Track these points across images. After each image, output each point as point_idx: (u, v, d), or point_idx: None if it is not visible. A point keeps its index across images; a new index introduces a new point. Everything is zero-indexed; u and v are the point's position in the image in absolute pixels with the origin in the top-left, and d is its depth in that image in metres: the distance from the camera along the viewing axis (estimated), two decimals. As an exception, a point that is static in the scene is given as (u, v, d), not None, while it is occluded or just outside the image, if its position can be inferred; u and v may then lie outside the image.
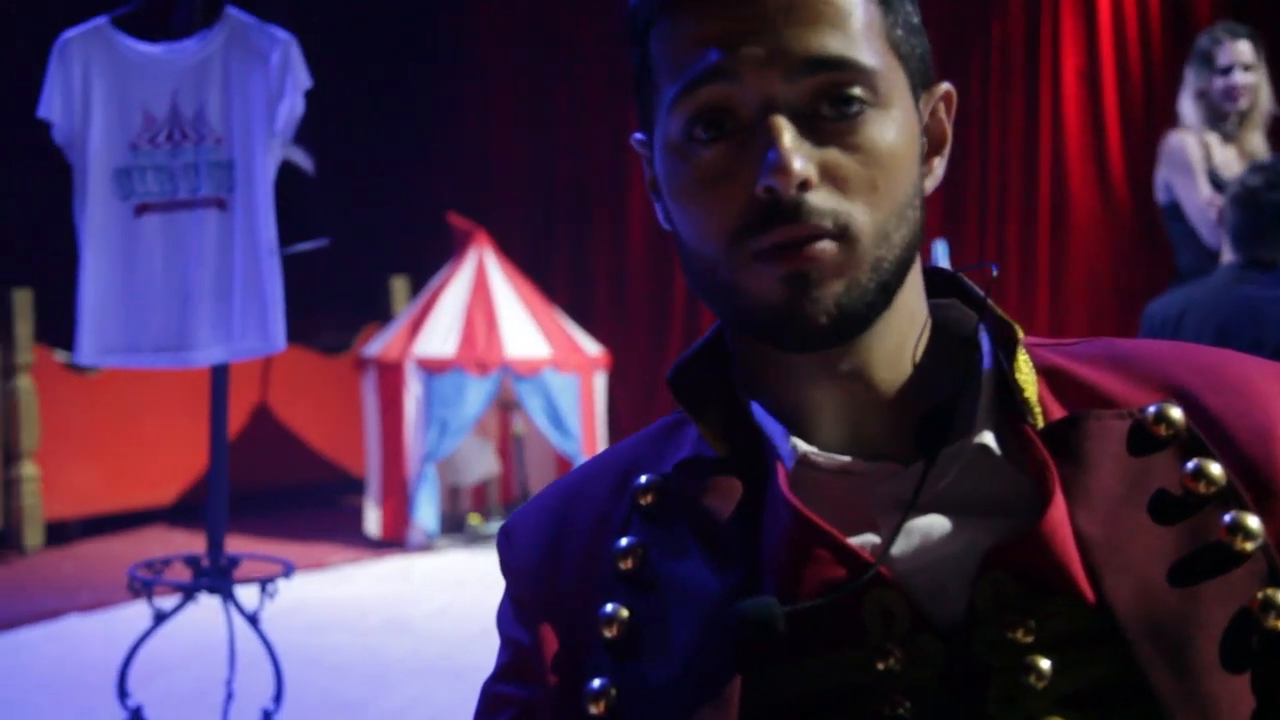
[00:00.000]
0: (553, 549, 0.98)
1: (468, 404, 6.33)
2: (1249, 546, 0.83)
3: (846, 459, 0.90)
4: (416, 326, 6.51)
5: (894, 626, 0.84)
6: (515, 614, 0.99)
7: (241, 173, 3.05)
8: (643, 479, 0.96)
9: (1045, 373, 0.93)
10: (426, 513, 6.36)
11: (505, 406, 6.83)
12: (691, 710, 0.86)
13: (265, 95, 3.04)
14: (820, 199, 0.84)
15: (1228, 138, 4.44)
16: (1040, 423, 0.89)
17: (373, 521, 6.57)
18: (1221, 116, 4.43)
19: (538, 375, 6.36)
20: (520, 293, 6.69)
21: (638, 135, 0.97)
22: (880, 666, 0.84)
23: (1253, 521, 0.84)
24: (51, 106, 3.09)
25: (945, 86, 0.97)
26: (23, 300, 6.31)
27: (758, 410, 0.94)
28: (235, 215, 3.06)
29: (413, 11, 8.89)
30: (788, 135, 0.84)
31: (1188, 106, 4.48)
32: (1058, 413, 0.90)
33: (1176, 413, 0.88)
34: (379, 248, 8.01)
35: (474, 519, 6.80)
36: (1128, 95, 6.97)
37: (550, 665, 0.94)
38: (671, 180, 0.90)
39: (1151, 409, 0.89)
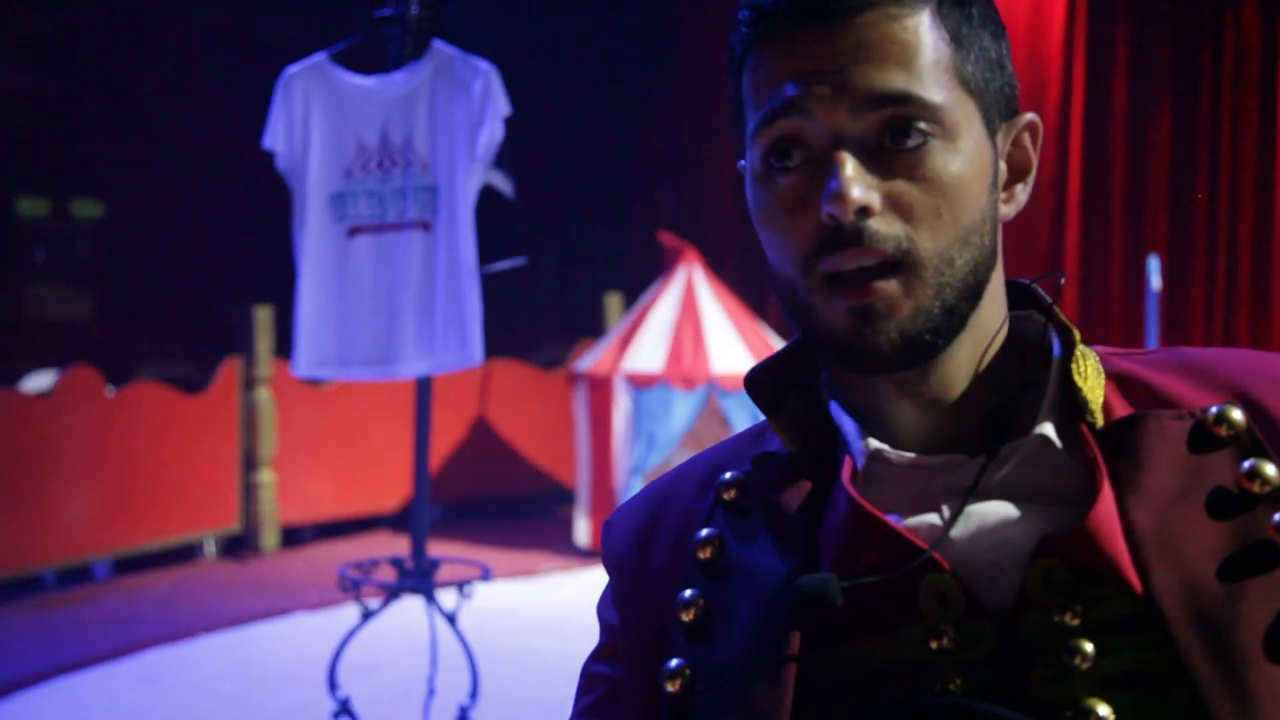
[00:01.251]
0: (644, 541, 1.05)
1: (674, 418, 6.40)
2: None
3: (912, 455, 0.96)
4: (626, 342, 6.60)
5: (948, 608, 0.89)
6: (611, 600, 1.07)
7: (445, 196, 3.18)
8: (726, 475, 1.02)
9: (1116, 378, 0.97)
10: (633, 525, 6.47)
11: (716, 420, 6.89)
12: (750, 687, 0.92)
13: (467, 123, 3.16)
14: (882, 225, 0.90)
15: None
16: (1100, 421, 0.93)
17: (582, 531, 6.72)
18: None
19: (743, 390, 6.41)
20: (728, 309, 6.71)
21: (741, 163, 1.03)
22: (933, 646, 0.88)
23: None
24: (275, 137, 3.28)
25: (1029, 117, 1.01)
26: (263, 317, 6.64)
27: (835, 409, 1.00)
28: (439, 236, 3.18)
29: (631, 38, 9.06)
30: (849, 166, 0.89)
31: None
32: (1123, 413, 0.94)
33: (1237, 414, 0.91)
34: (596, 266, 8.18)
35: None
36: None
37: (635, 647, 1.01)
38: (754, 205, 0.96)
39: (1214, 410, 0.92)
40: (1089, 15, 7.35)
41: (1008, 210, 0.99)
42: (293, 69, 3.30)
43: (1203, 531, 0.89)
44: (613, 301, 7.82)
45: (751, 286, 7.64)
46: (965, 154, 0.93)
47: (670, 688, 0.96)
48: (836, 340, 0.93)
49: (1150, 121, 7.31)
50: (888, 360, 0.92)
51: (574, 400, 6.77)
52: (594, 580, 6.28)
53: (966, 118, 0.94)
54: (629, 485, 6.45)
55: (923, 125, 0.91)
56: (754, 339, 6.65)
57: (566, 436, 7.18)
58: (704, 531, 1.01)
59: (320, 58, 3.30)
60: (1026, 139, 1.01)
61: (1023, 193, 1.01)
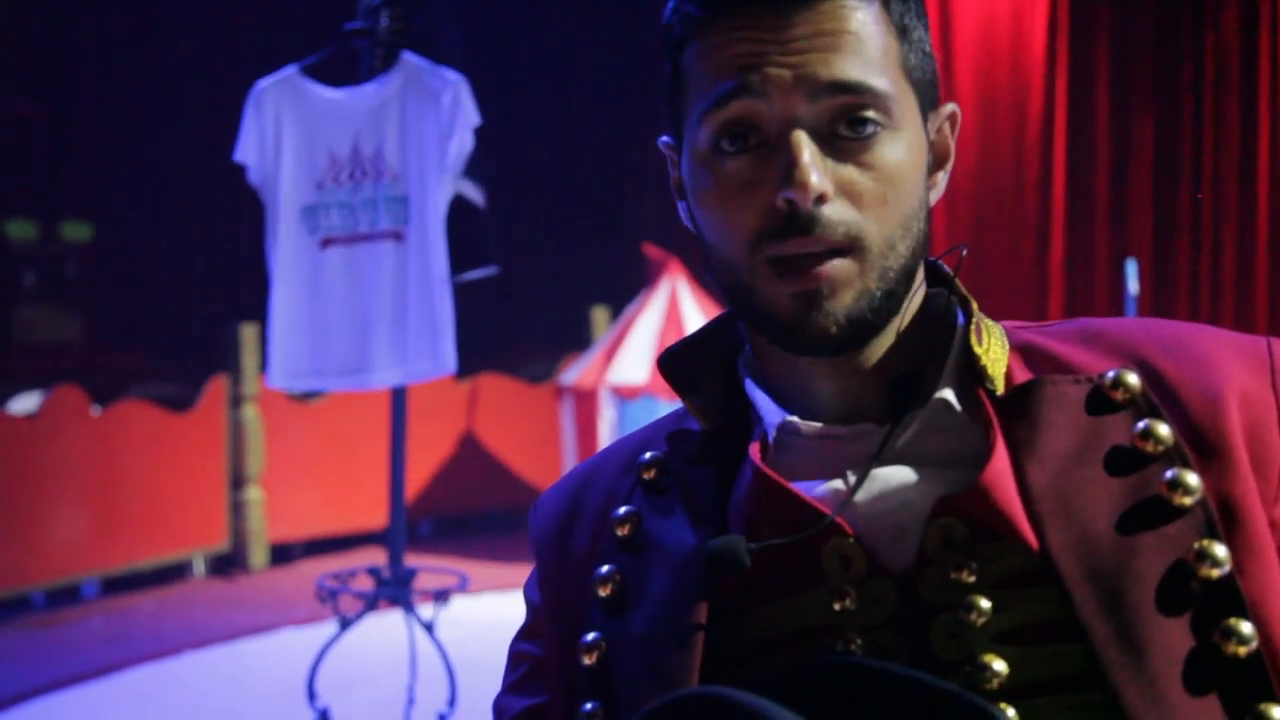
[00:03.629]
0: (567, 522, 1.08)
1: (663, 431, 6.43)
2: (1188, 501, 0.89)
3: (820, 425, 0.98)
4: (611, 354, 6.61)
5: (850, 571, 0.92)
6: (535, 580, 1.09)
7: (416, 206, 3.20)
8: (646, 455, 1.05)
9: (1020, 348, 1.00)
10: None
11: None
12: (661, 654, 0.94)
13: (437, 133, 3.18)
14: (835, 211, 0.91)
15: None
16: (1000, 388, 0.96)
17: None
18: None
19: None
20: (710, 316, 6.75)
21: (665, 139, 1.05)
22: (836, 607, 0.91)
23: (1192, 479, 0.89)
24: (247, 150, 3.30)
25: (951, 107, 1.03)
26: (249, 335, 6.63)
27: (750, 386, 1.03)
28: (410, 246, 3.20)
29: (619, 61, 9.10)
30: (807, 152, 0.91)
31: None
32: (1025, 380, 0.97)
33: (1133, 378, 0.94)
34: (583, 281, 8.20)
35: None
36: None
37: (555, 624, 1.04)
38: (697, 186, 0.97)
39: (1110, 374, 0.95)
40: (1070, 24, 7.40)
41: (933, 195, 1.02)
42: (263, 82, 3.32)
43: (1099, 489, 0.91)
44: (599, 315, 7.83)
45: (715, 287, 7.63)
46: (907, 143, 0.95)
47: (587, 660, 0.98)
48: (780, 323, 0.95)
49: (1133, 128, 7.34)
50: (832, 341, 0.94)
51: (560, 413, 6.78)
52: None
53: (908, 108, 0.96)
54: (614, 496, 6.44)
55: (873, 114, 0.93)
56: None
57: (554, 450, 7.18)
58: (621, 510, 1.03)
59: (290, 71, 3.33)
60: (947, 128, 1.04)
61: (943, 179, 1.04)
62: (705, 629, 0.94)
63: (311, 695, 3.34)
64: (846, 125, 0.92)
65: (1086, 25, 7.39)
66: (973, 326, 0.99)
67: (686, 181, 1.00)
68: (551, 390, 7.32)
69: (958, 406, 0.97)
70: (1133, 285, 5.03)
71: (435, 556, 6.68)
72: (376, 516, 7.04)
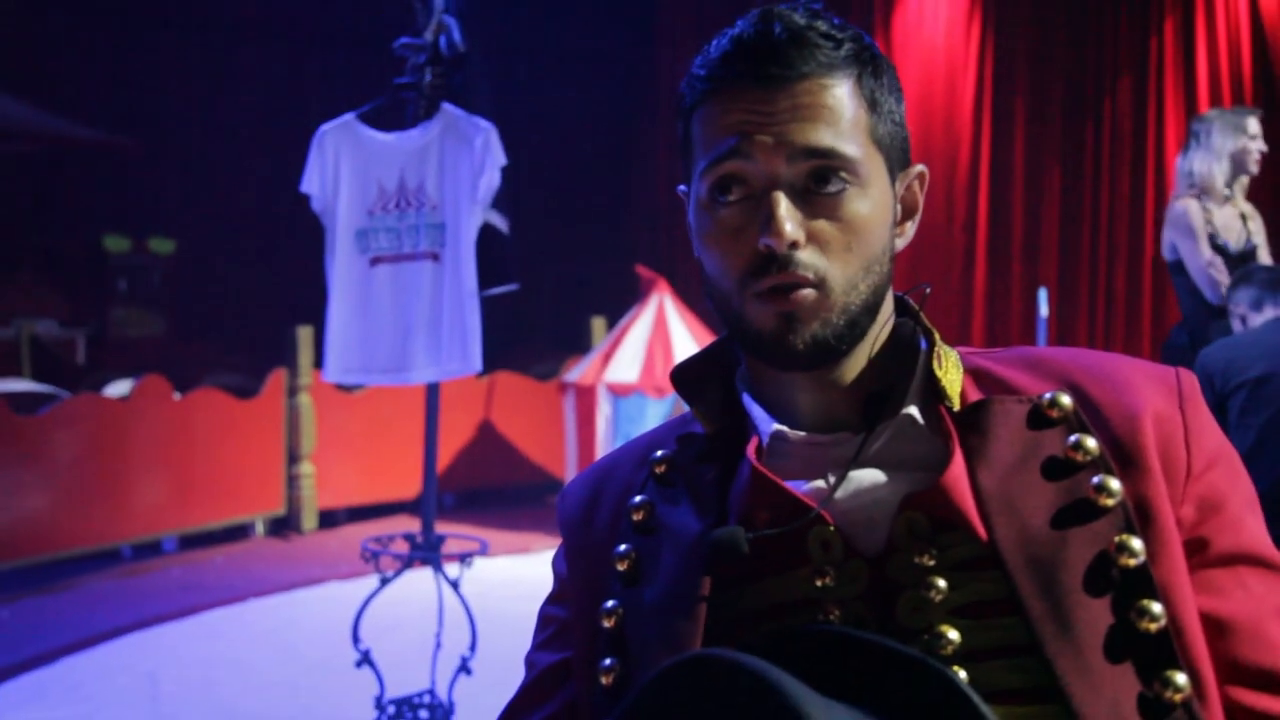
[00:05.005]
0: (590, 507, 1.08)
1: (648, 421, 6.41)
2: (1110, 502, 0.89)
3: (806, 434, 0.98)
4: (607, 358, 6.61)
5: (830, 553, 0.92)
6: (563, 555, 1.10)
7: (451, 232, 3.19)
8: (658, 454, 1.05)
9: (971, 371, 1.00)
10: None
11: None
12: (670, 621, 0.94)
13: (471, 171, 3.18)
14: (806, 256, 0.93)
15: (1225, 201, 4.29)
16: (957, 405, 0.96)
17: (569, 520, 6.73)
18: (1236, 176, 4.30)
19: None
20: (692, 329, 6.71)
21: (681, 188, 1.05)
22: (818, 584, 0.92)
23: (1114, 483, 0.90)
24: (311, 183, 3.29)
25: (919, 168, 1.03)
26: (304, 335, 6.66)
27: (747, 399, 1.03)
28: (445, 265, 3.20)
29: (614, 103, 9.12)
30: (783, 206, 0.92)
31: (1214, 166, 4.28)
32: (976, 399, 0.97)
33: (1066, 399, 0.95)
34: (584, 294, 8.20)
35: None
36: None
37: (580, 592, 1.04)
38: (699, 228, 0.98)
39: (1047, 396, 0.95)
40: (993, 90, 7.43)
41: (900, 243, 1.02)
42: (326, 127, 3.31)
43: (1037, 491, 0.91)
44: (597, 323, 7.84)
45: (709, 309, 7.64)
46: (873, 199, 0.95)
47: (606, 624, 0.99)
48: (763, 339, 0.96)
49: (1044, 177, 7.37)
50: (801, 358, 0.95)
51: (564, 406, 6.77)
52: (580, 555, 6.30)
53: (876, 169, 0.96)
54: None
55: (843, 175, 0.94)
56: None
57: (557, 437, 7.18)
58: (637, 498, 1.03)
59: (349, 117, 3.32)
60: (916, 185, 1.04)
61: (911, 228, 1.04)
62: (707, 600, 0.94)
63: (356, 639, 3.32)
64: (818, 183, 0.93)
65: (1007, 92, 7.43)
66: (935, 353, 0.99)
67: (692, 224, 1.01)
68: (556, 386, 7.32)
69: (920, 420, 0.97)
70: (1043, 309, 5.04)
71: (457, 524, 6.68)
72: (407, 488, 7.09)
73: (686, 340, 6.61)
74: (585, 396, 6.53)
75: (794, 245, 0.92)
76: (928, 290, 1.05)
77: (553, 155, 8.76)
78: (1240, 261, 4.12)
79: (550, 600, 1.11)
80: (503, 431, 7.66)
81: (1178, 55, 6.89)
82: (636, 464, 1.08)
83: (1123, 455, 0.92)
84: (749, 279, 0.94)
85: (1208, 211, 4.24)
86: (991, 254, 7.43)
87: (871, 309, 0.97)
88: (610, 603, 0.99)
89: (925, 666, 0.80)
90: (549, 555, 6.13)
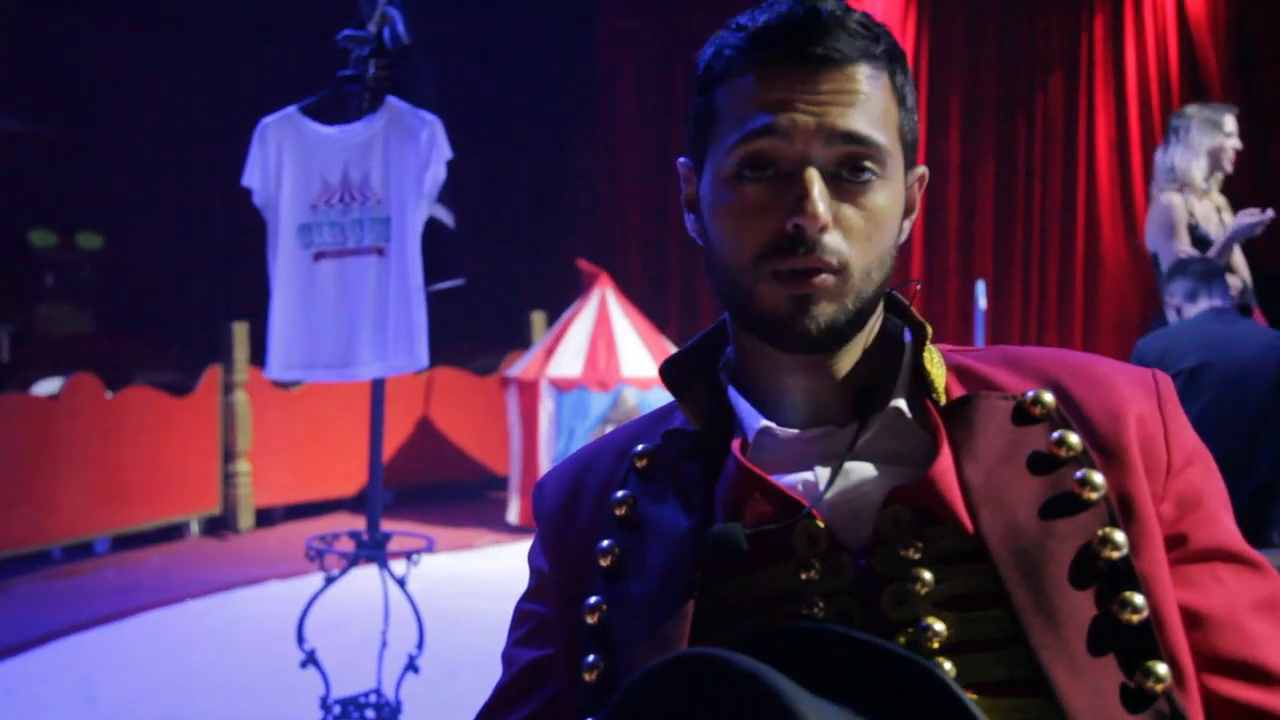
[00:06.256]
0: (570, 501, 1.06)
1: (590, 415, 6.42)
2: (1094, 496, 0.90)
3: (794, 431, 0.98)
4: (550, 352, 6.59)
5: (815, 547, 0.92)
6: (540, 549, 1.08)
7: (396, 227, 3.16)
8: (639, 447, 1.04)
9: (954, 369, 1.00)
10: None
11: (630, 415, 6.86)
12: (658, 617, 0.93)
13: (416, 165, 3.14)
14: (832, 240, 0.92)
15: (1204, 194, 4.40)
16: (943, 400, 0.97)
17: (513, 511, 6.68)
18: (1213, 172, 4.41)
19: (649, 390, 6.44)
20: (635, 323, 6.71)
21: (683, 160, 1.04)
22: (804, 577, 0.91)
23: (1098, 478, 0.91)
24: (252, 176, 3.23)
25: (922, 169, 1.03)
26: (240, 331, 6.55)
27: (732, 393, 1.02)
28: (390, 260, 3.16)
29: (556, 99, 9.09)
30: (818, 187, 0.91)
31: (1193, 162, 4.39)
32: (960, 395, 0.98)
33: (1049, 397, 0.96)
34: (524, 288, 8.17)
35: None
36: (1151, 160, 6.86)
37: (561, 588, 1.02)
38: (716, 202, 0.96)
39: (1030, 393, 0.96)
40: (929, 86, 7.50)
41: (899, 239, 1.02)
42: (267, 119, 3.26)
43: (1022, 485, 0.92)
44: (538, 318, 7.81)
45: (651, 303, 7.67)
46: (893, 192, 0.96)
47: (589, 620, 0.98)
48: (774, 320, 0.95)
49: (978, 172, 7.47)
50: (811, 341, 0.94)
51: (506, 401, 6.74)
52: (523, 552, 6.24)
53: (897, 164, 0.96)
54: (554, 473, 6.42)
55: (872, 164, 0.93)
56: (657, 348, 6.67)
57: (498, 432, 7.15)
58: (620, 493, 1.02)
59: (291, 110, 3.27)
60: (917, 186, 1.04)
61: (908, 226, 1.04)
62: (694, 596, 0.94)
63: (301, 638, 3.27)
64: (849, 170, 0.93)
65: (942, 87, 7.51)
66: (927, 348, 0.99)
67: (705, 198, 0.99)
68: (497, 381, 7.28)
69: (908, 414, 0.97)
70: (981, 302, 5.10)
71: (396, 521, 6.60)
72: (345, 486, 7.02)
73: (629, 335, 6.61)
74: (528, 391, 6.50)
75: (824, 228, 0.91)
76: (919, 286, 1.05)
77: (492, 149, 8.69)
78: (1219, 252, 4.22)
79: (528, 596, 1.09)
80: (442, 427, 7.61)
81: (1107, 52, 7.02)
82: (616, 458, 1.07)
83: (1105, 451, 0.93)
84: (768, 257, 0.93)
85: (1190, 204, 4.34)
86: (928, 248, 7.52)
87: (878, 299, 0.98)
88: (593, 599, 0.98)
89: (912, 664, 0.81)
90: (491, 551, 6.12)
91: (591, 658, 0.96)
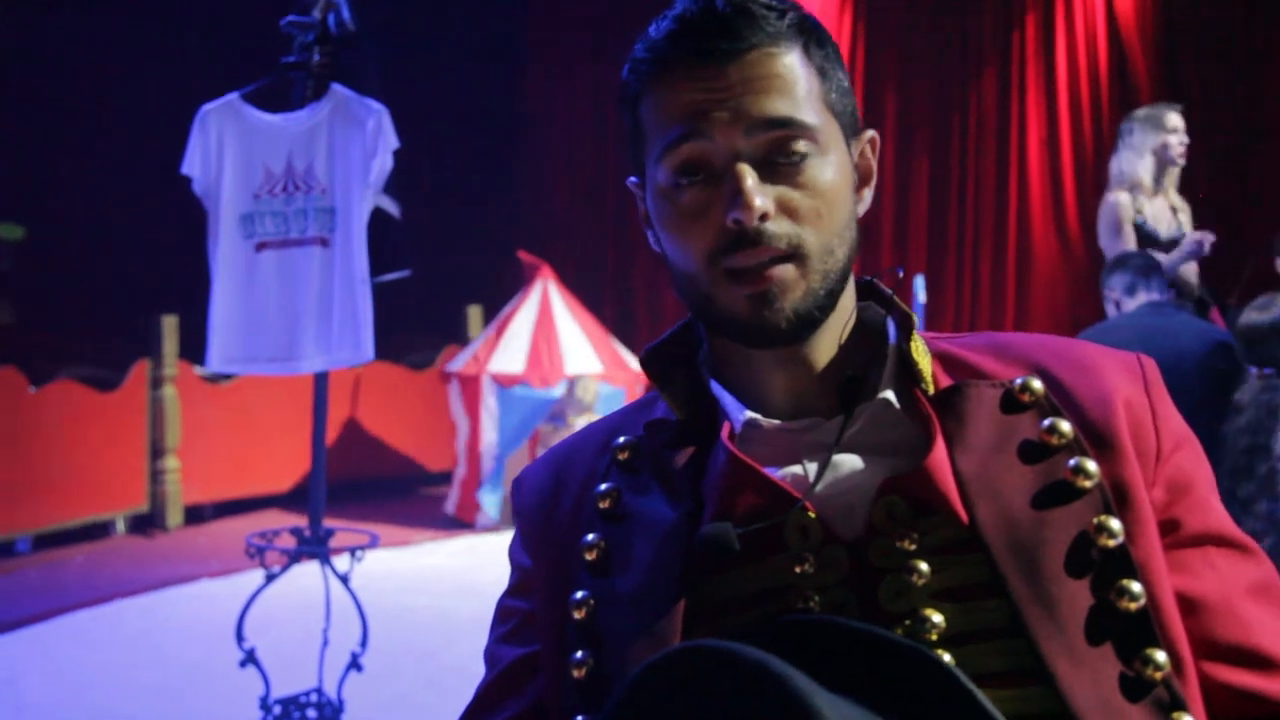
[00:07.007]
0: (551, 495, 1.05)
1: (532, 411, 6.39)
2: (1088, 484, 0.90)
3: (779, 422, 0.97)
4: (492, 347, 6.55)
5: (808, 539, 0.91)
6: (522, 545, 1.06)
7: (341, 217, 3.11)
8: (621, 439, 1.03)
9: (939, 356, 0.99)
10: (492, 501, 6.44)
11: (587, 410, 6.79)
12: (649, 612, 0.92)
13: (362, 154, 3.09)
14: (776, 226, 0.91)
15: (1156, 192, 4.49)
16: (931, 389, 0.96)
17: (451, 503, 6.65)
18: (1164, 170, 4.50)
19: (606, 385, 6.42)
20: (578, 318, 6.69)
21: (632, 180, 1.03)
22: (797, 570, 0.90)
23: (1091, 465, 0.90)
24: (192, 164, 3.15)
25: (870, 133, 1.03)
26: (169, 324, 6.44)
27: (714, 385, 1.01)
28: (335, 251, 3.11)
29: (493, 81, 9.03)
30: (749, 179, 0.90)
31: (1138, 163, 4.48)
32: (947, 384, 0.97)
33: (1037, 384, 0.95)
34: (458, 281, 8.09)
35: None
36: (1081, 159, 6.99)
37: (546, 583, 1.00)
38: (661, 215, 0.96)
39: (1018, 381, 0.95)
40: (865, 81, 7.56)
41: (860, 209, 1.01)
42: (208, 106, 3.18)
43: (1015, 474, 0.91)
44: (474, 312, 7.76)
45: (586, 297, 7.64)
46: (834, 165, 0.95)
47: (577, 615, 0.96)
48: (738, 321, 0.94)
49: (913, 168, 7.55)
50: (782, 334, 0.94)
51: (449, 396, 6.68)
52: (460, 547, 6.24)
53: (833, 135, 0.95)
54: (496, 468, 6.39)
55: (803, 143, 0.92)
56: (600, 343, 6.64)
57: (432, 426, 7.09)
58: (603, 485, 1.00)
59: (232, 97, 3.20)
60: (868, 150, 1.03)
61: (869, 195, 1.03)
62: (685, 590, 0.92)
63: (240, 637, 3.21)
64: (780, 154, 0.92)
65: (878, 83, 7.57)
66: (913, 336, 0.98)
67: (651, 212, 0.99)
68: (433, 376, 7.22)
69: (897, 405, 0.96)
70: (921, 296, 5.15)
71: (328, 518, 6.50)
72: (278, 482, 6.91)
73: (572, 329, 6.58)
74: (470, 386, 6.46)
75: (764, 217, 0.90)
76: (900, 273, 1.05)
77: (426, 141, 8.59)
78: (1168, 248, 4.31)
79: (510, 592, 1.07)
80: (376, 422, 7.53)
81: (1039, 50, 7.13)
82: (597, 450, 1.05)
83: (1096, 438, 0.93)
84: (718, 256, 0.92)
85: (1138, 204, 4.42)
86: (862, 244, 7.58)
87: (845, 277, 0.97)
88: (580, 594, 0.96)
89: (914, 651, 0.80)
90: (429, 548, 6.07)
91: (580, 654, 0.94)
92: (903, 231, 7.57)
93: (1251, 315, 3.11)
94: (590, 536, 0.98)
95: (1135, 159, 4.50)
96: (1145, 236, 4.34)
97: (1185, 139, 4.50)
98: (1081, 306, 6.69)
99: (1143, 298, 3.51)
